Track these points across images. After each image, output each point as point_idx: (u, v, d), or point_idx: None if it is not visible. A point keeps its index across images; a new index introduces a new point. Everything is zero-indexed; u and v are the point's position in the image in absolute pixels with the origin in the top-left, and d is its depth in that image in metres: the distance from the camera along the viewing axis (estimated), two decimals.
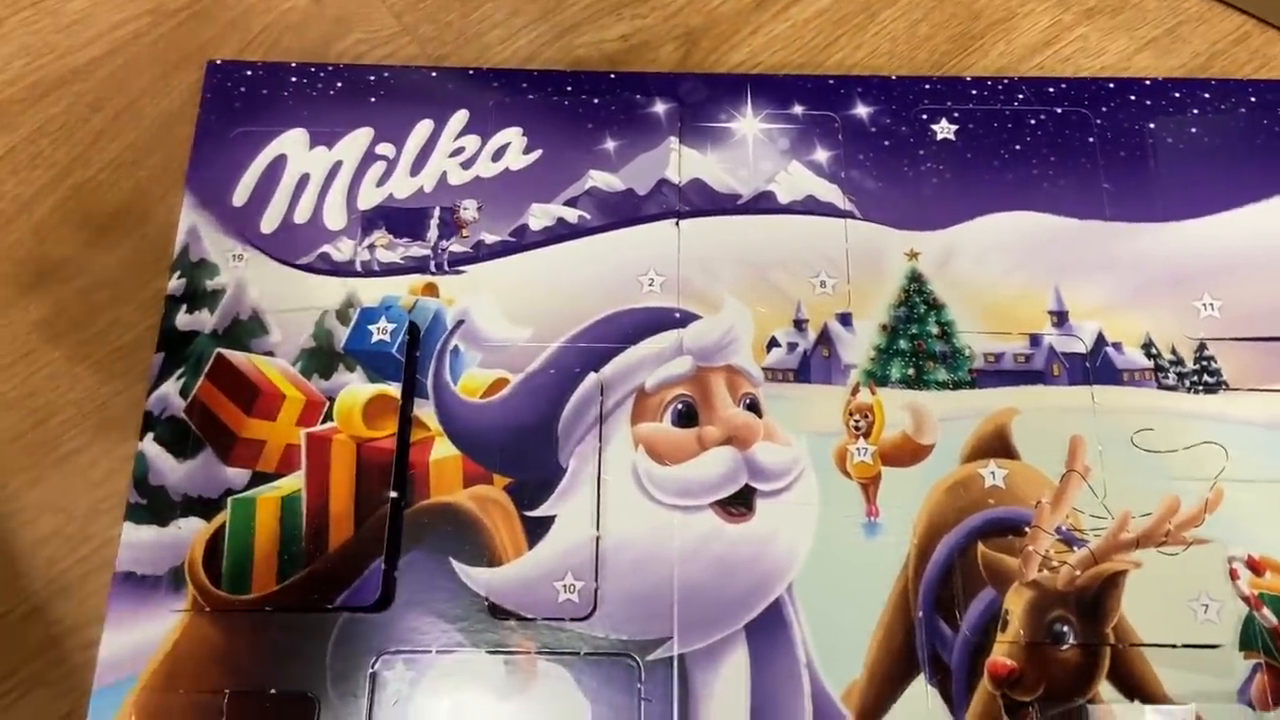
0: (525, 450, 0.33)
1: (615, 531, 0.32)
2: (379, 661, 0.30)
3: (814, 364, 0.34)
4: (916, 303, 0.35)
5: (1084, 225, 0.36)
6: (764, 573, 0.31)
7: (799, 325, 0.35)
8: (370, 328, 0.34)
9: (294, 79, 0.38)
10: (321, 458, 0.32)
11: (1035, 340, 0.34)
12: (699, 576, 0.31)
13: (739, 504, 0.32)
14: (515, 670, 0.30)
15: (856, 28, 0.44)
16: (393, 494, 0.31)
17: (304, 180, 0.37)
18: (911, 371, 0.34)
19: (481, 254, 0.36)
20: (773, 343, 0.34)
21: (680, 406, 0.33)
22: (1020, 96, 0.38)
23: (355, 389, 0.33)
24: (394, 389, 0.33)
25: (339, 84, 0.38)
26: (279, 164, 0.37)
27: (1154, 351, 0.34)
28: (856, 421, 0.33)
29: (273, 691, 0.30)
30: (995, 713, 0.30)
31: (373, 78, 0.38)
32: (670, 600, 0.31)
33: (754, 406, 0.33)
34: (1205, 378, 0.34)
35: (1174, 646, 0.30)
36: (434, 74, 0.39)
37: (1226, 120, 0.37)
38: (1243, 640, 0.30)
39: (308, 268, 0.36)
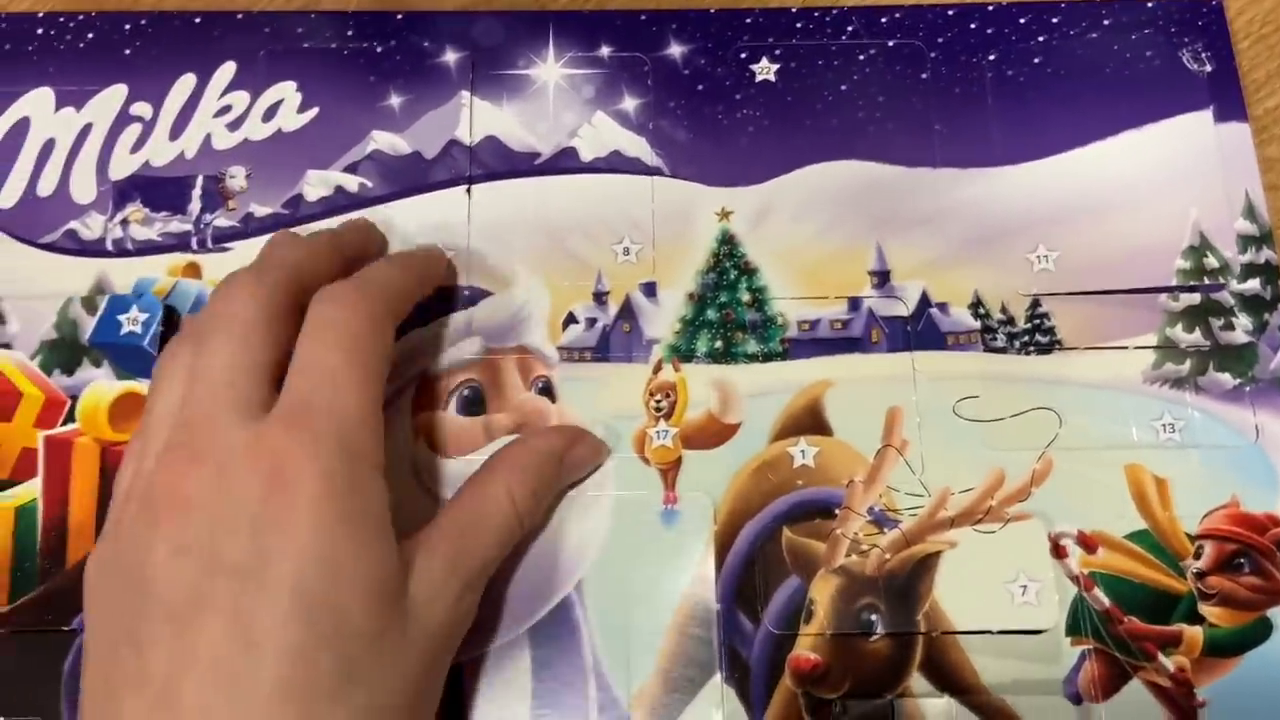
0: None
1: None
2: None
3: (614, 340, 0.31)
4: (727, 268, 0.32)
5: (911, 173, 0.32)
6: (552, 571, 0.29)
7: (599, 298, 0.31)
8: (120, 318, 0.30)
9: (40, 30, 0.34)
10: (61, 463, 0.29)
11: (854, 304, 0.31)
12: None
13: None
14: None
15: None
16: None
17: (49, 146, 0.33)
18: (719, 344, 0.31)
19: (250, 229, 0.32)
20: (570, 319, 0.31)
21: (466, 393, 0.30)
22: (850, 29, 0.34)
23: (100, 386, 0.30)
24: (144, 386, 0.30)
25: (90, 35, 0.34)
26: (21, 128, 0.33)
27: (982, 311, 0.31)
28: (658, 402, 0.30)
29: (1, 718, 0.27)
30: (797, 712, 0.28)
31: (128, 26, 0.34)
32: None
33: (548, 390, 0.30)
34: (1038, 337, 0.31)
35: (990, 633, 0.28)
36: (197, 20, 0.34)
37: (1074, 48, 0.34)
38: (1070, 625, 0.28)
39: (52, 247, 0.32)
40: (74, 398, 0.30)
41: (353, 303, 0.25)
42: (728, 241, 0.32)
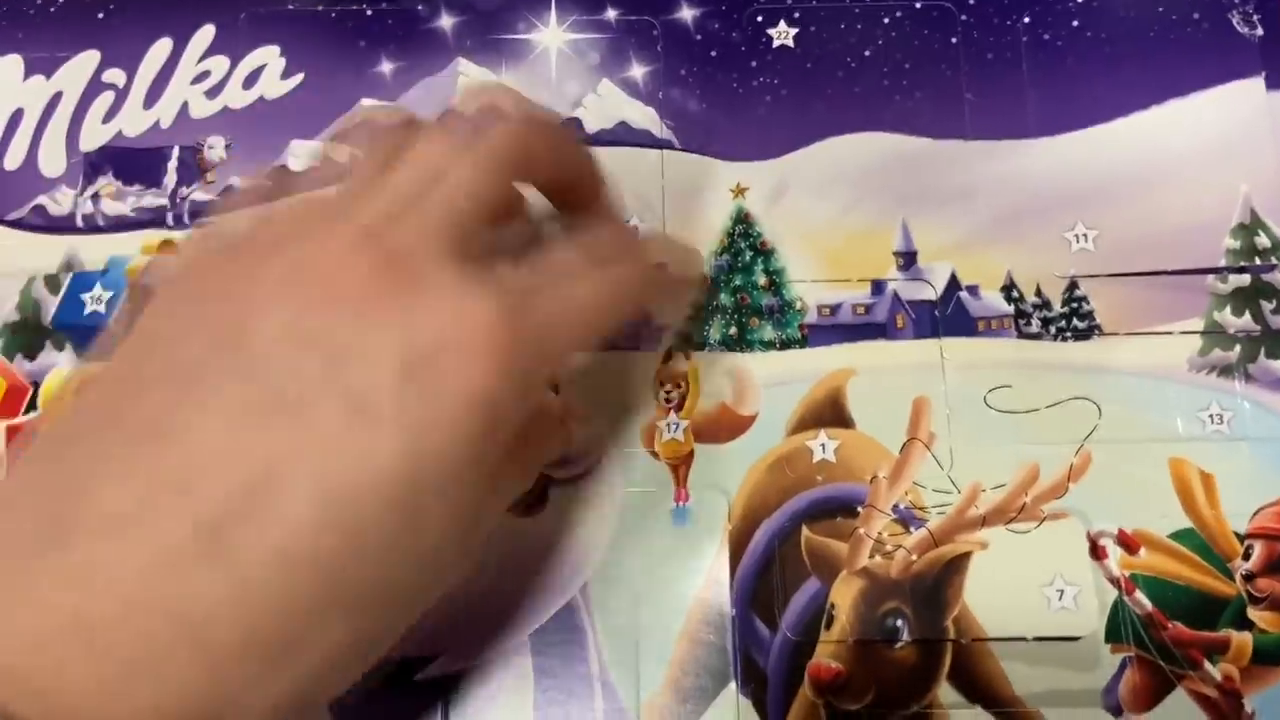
0: None
1: None
2: None
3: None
4: (742, 248, 0.30)
5: (940, 146, 0.30)
6: (555, 573, 0.27)
7: None
8: (84, 296, 0.29)
9: None
10: None
11: (878, 287, 0.29)
12: (479, 581, 0.27)
13: (530, 493, 0.27)
14: None
15: None
16: None
17: (17, 117, 0.31)
18: (734, 331, 0.29)
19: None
20: None
21: None
22: None
23: (63, 372, 0.28)
24: None
25: None
26: None
27: (1016, 293, 0.29)
28: (668, 392, 0.28)
29: None
30: None
31: None
32: (444, 610, 0.26)
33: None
34: (1075, 322, 0.29)
35: (1024, 640, 0.26)
36: None
37: (1115, 10, 0.31)
38: (1110, 631, 0.27)
39: (20, 224, 0.30)
40: (37, 384, 0.28)
41: (636, 255, 0.23)
42: (743, 220, 0.30)
